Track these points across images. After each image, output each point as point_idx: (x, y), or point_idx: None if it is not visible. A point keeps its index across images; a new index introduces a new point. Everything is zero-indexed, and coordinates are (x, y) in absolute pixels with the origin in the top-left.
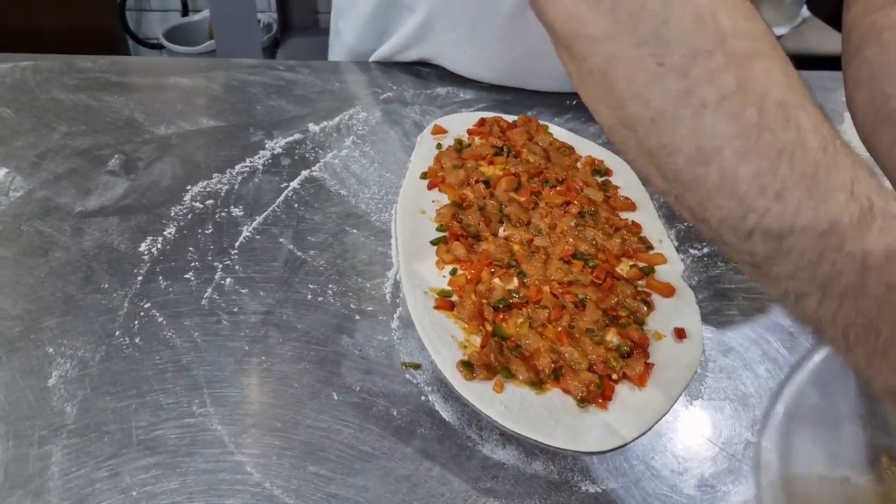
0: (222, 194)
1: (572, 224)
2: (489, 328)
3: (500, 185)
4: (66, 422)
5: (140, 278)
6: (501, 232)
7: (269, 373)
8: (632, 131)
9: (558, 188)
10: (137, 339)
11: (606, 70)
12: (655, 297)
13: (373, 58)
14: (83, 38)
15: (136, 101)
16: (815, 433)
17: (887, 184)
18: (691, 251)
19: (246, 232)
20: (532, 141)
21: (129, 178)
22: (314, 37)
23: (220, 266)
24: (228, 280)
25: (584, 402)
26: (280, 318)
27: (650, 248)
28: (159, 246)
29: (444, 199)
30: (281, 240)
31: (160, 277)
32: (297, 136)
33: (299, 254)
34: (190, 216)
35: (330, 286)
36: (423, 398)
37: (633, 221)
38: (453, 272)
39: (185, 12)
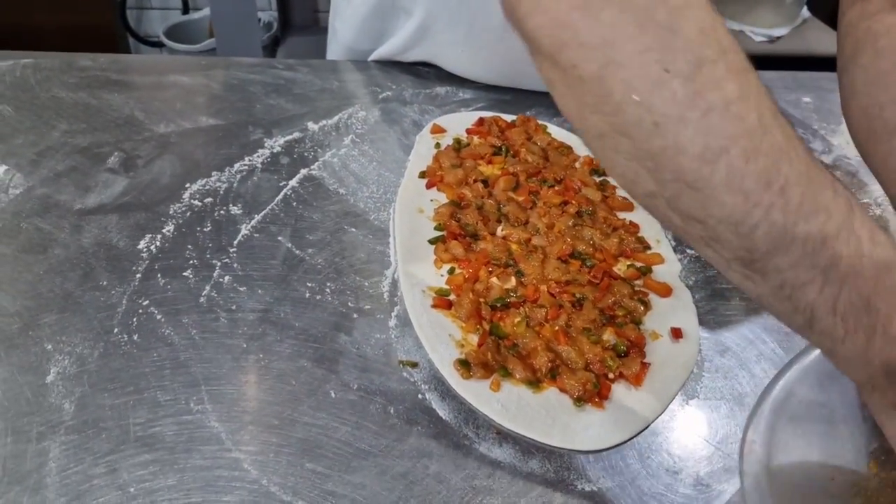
0: (221, 192)
1: (570, 223)
2: (486, 327)
3: (499, 184)
4: (63, 418)
5: (139, 276)
6: (499, 231)
7: (267, 370)
8: (626, 136)
9: (556, 188)
10: (136, 336)
11: (603, 76)
12: (652, 297)
13: (371, 58)
14: (84, 36)
15: (135, 100)
16: (803, 430)
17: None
18: (688, 251)
19: (244, 230)
20: (530, 141)
21: (128, 175)
22: (314, 36)
23: (219, 264)
24: (227, 278)
25: (580, 401)
26: (278, 315)
27: (647, 247)
28: (158, 243)
29: (443, 198)
30: (279, 238)
31: (159, 275)
32: (296, 134)
33: (298, 252)
34: (189, 214)
35: (328, 284)
36: (420, 396)
37: (630, 221)
38: (451, 271)
39: (185, 10)
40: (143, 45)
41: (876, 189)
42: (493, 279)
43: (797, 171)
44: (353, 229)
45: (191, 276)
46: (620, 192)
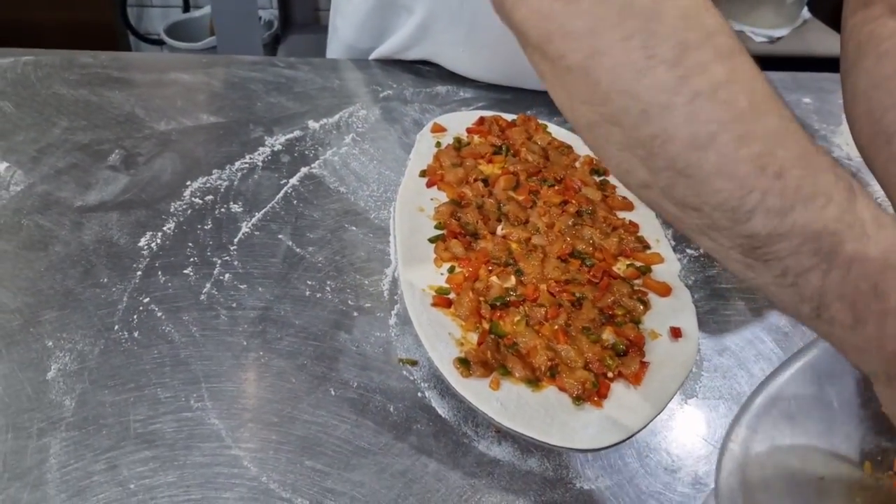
0: (222, 190)
1: (570, 223)
2: (486, 326)
3: (499, 183)
4: (64, 414)
5: (139, 273)
6: (499, 230)
7: (267, 368)
8: (617, 125)
9: (556, 187)
10: (136, 334)
11: (589, 66)
12: (652, 297)
13: (372, 57)
14: (84, 34)
15: (136, 97)
16: (793, 429)
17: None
18: (688, 251)
19: (245, 228)
20: (531, 140)
21: (129, 173)
22: (315, 34)
23: (219, 261)
24: (227, 275)
25: (579, 399)
26: (278, 313)
27: (647, 247)
28: (159, 241)
29: (443, 197)
30: (280, 236)
31: (159, 272)
32: (296, 132)
33: (298, 250)
34: (189, 212)
35: (328, 283)
36: (419, 394)
37: (630, 221)
38: (451, 270)
39: (186, 8)
40: (144, 42)
41: (877, 190)
42: (493, 278)
43: (794, 155)
44: (354, 228)
45: (191, 273)
46: (620, 192)
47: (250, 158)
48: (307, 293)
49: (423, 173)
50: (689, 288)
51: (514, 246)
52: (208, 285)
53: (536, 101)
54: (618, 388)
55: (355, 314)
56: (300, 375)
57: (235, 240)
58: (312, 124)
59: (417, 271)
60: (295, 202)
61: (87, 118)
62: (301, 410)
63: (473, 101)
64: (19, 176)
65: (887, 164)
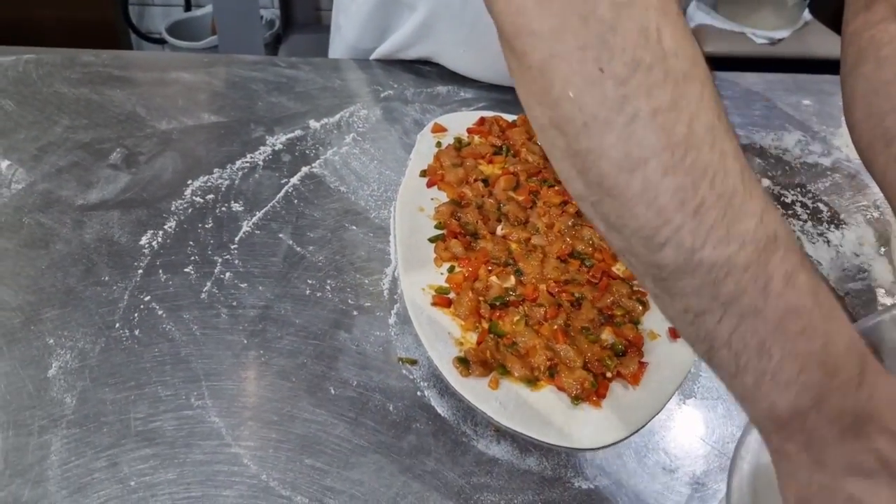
0: (223, 189)
1: (569, 223)
2: (485, 325)
3: (499, 183)
4: (65, 412)
5: (140, 271)
6: (499, 230)
7: (267, 366)
8: (562, 133)
9: (556, 188)
10: (137, 332)
11: (545, 68)
12: (651, 297)
13: (373, 56)
14: (86, 32)
15: (137, 96)
16: None
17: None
18: None
19: (246, 227)
20: (531, 140)
21: (130, 171)
22: (316, 33)
23: (220, 260)
24: (228, 274)
25: (578, 399)
26: (278, 312)
27: None
28: (160, 239)
29: (443, 197)
30: (280, 235)
31: (160, 271)
32: (297, 132)
33: (298, 249)
34: (190, 210)
35: (328, 282)
36: (418, 394)
37: None
38: (451, 269)
39: (187, 7)
40: (145, 41)
41: (875, 192)
42: (493, 278)
43: (717, 194)
44: (354, 227)
45: (192, 272)
46: None
47: (251, 158)
48: (307, 292)
49: (423, 173)
50: None
51: (513, 246)
52: (209, 284)
53: None
54: (616, 388)
55: (355, 313)
56: (300, 374)
57: (236, 239)
58: (313, 124)
59: (417, 271)
60: (295, 201)
61: (89, 117)
62: (301, 409)
63: (474, 101)
64: (20, 174)
65: (886, 167)
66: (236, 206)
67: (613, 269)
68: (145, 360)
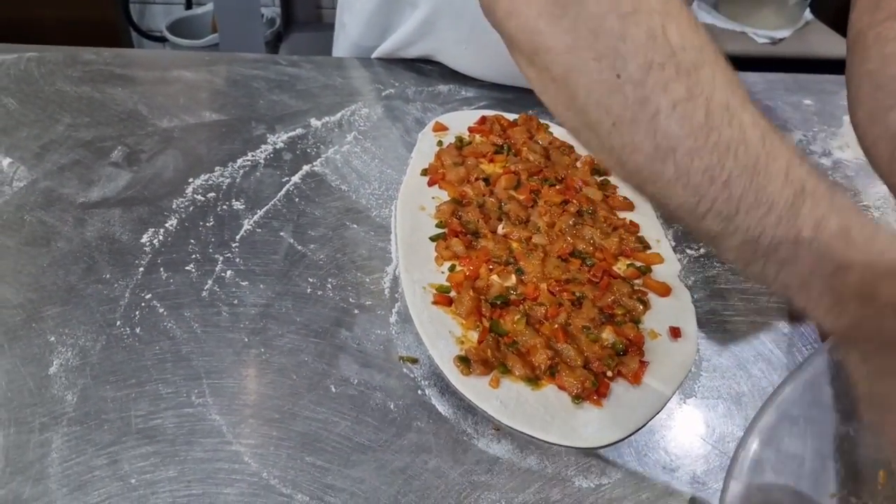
0: (224, 187)
1: (570, 222)
2: (486, 324)
3: (500, 182)
4: (66, 409)
5: (141, 269)
6: (500, 229)
7: (268, 364)
8: (594, 133)
9: (557, 187)
10: (138, 329)
11: (567, 80)
12: (652, 296)
13: (375, 54)
14: (87, 31)
15: (139, 94)
16: (804, 441)
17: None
18: (688, 251)
19: (247, 225)
20: (532, 139)
21: (131, 169)
22: (317, 32)
23: (221, 258)
24: (229, 272)
25: (578, 398)
26: (279, 310)
27: (647, 247)
28: (161, 237)
29: (444, 195)
30: (281, 233)
31: (161, 269)
32: (298, 130)
33: (299, 247)
34: (191, 208)
35: (329, 280)
36: (419, 392)
37: (630, 221)
38: (452, 268)
39: (188, 5)
40: (146, 39)
41: (874, 192)
42: (494, 277)
43: (742, 165)
44: (355, 226)
45: (193, 270)
46: (621, 192)
47: (252, 156)
48: (308, 290)
49: (424, 172)
50: (689, 288)
51: (514, 245)
52: (210, 282)
53: (538, 100)
54: (617, 388)
55: (356, 312)
56: (301, 372)
57: (237, 237)
58: (314, 122)
59: (418, 269)
60: (296, 200)
61: (90, 115)
62: (301, 407)
63: (475, 100)
64: (22, 172)
65: (892, 164)
66: (237, 205)
67: (614, 268)
68: (146, 358)
